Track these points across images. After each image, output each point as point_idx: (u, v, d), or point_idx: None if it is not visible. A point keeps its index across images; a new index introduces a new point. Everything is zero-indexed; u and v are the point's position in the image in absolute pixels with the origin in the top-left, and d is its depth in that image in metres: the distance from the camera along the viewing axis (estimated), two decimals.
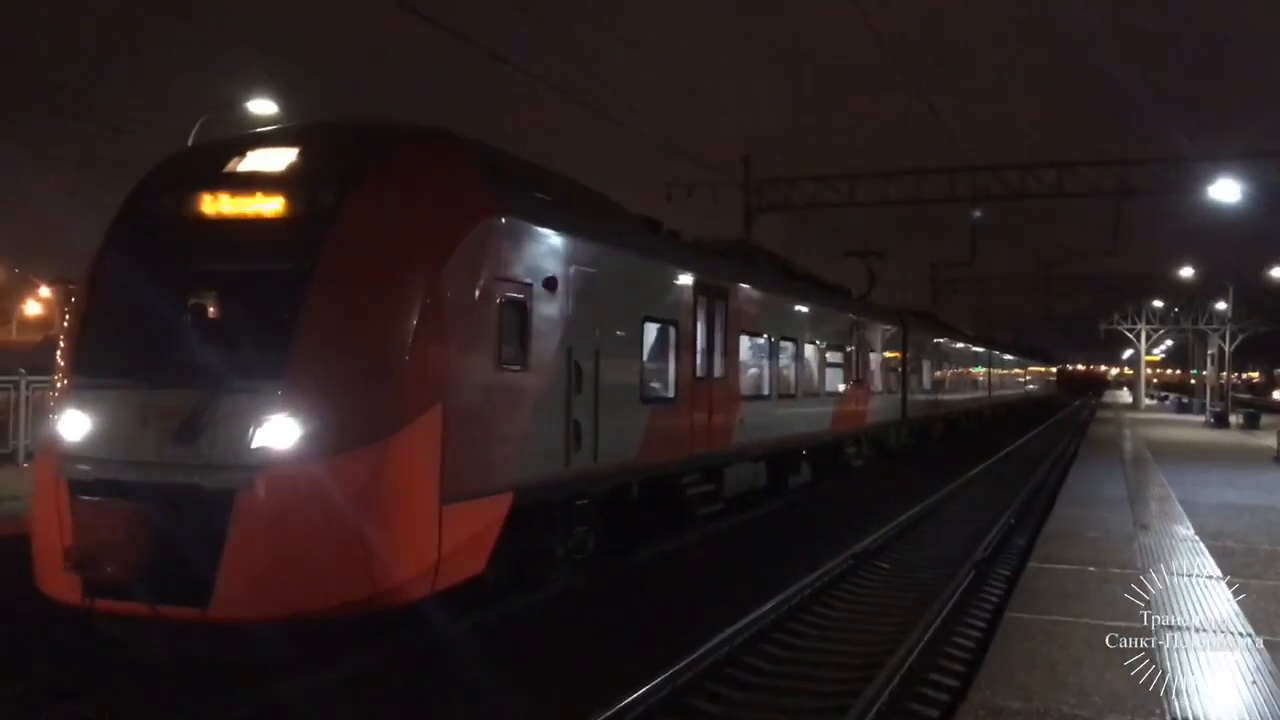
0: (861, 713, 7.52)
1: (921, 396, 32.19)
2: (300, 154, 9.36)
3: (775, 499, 18.87)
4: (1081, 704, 6.66)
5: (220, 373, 8.17)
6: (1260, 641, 8.24)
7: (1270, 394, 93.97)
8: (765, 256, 20.58)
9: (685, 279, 14.44)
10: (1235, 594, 9.93)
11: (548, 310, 10.39)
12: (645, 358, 13.19)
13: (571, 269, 10.85)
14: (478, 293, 9.28)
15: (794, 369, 19.45)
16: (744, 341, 16.73)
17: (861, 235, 39.81)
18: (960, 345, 42.13)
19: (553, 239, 10.64)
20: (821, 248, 29.80)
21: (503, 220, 9.78)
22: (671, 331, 13.88)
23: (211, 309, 8.79)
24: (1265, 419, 46.53)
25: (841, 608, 11.70)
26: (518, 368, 9.87)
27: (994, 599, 12.04)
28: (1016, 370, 65.59)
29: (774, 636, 10.15)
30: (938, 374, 35.34)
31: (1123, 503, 17.10)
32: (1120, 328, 70.61)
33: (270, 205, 8.94)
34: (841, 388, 22.45)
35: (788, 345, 19.11)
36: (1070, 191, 34.39)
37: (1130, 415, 58.00)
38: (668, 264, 14.24)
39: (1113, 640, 8.15)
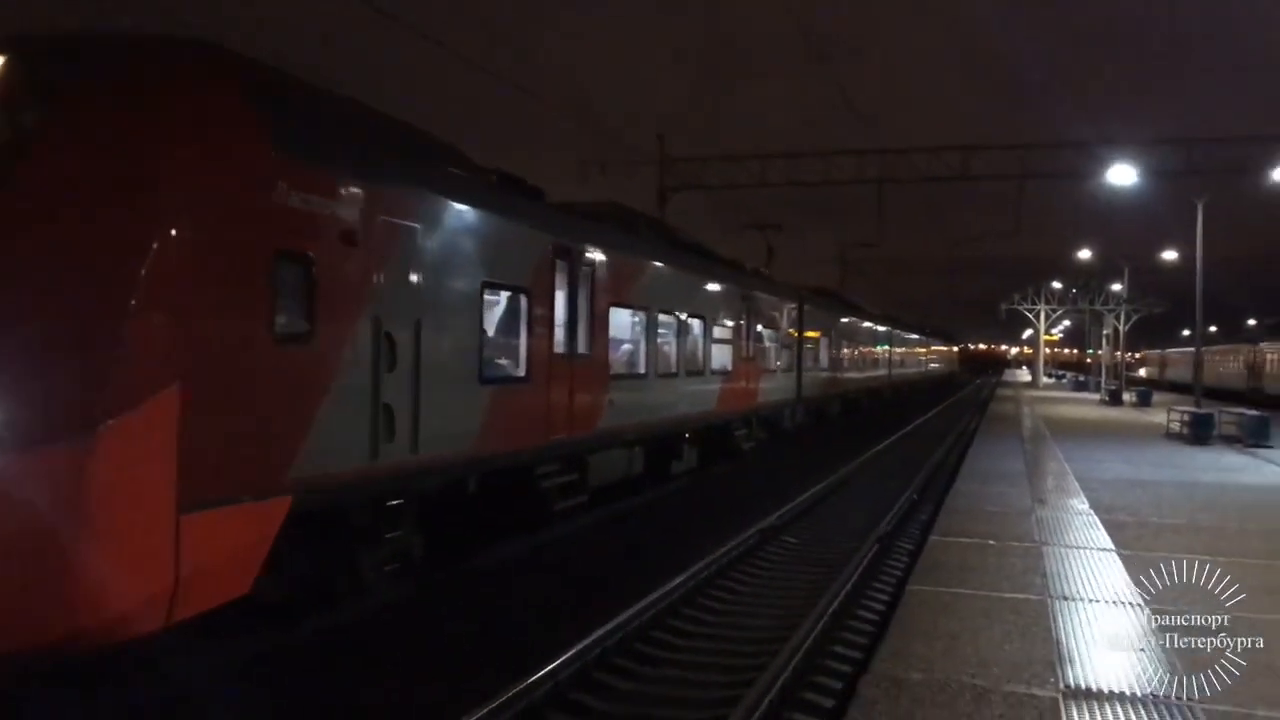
0: (764, 691, 7.59)
1: (818, 375, 31.42)
2: (2, 65, 7.31)
3: (658, 487, 17.76)
4: (980, 674, 6.81)
5: None
6: (1149, 610, 8.53)
7: (1136, 372, 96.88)
8: (646, 222, 18.88)
9: (541, 241, 12.61)
10: (1127, 566, 10.30)
11: (346, 271, 8.57)
12: (487, 331, 11.49)
13: (382, 221, 9.08)
14: (239, 246, 7.43)
15: (676, 345, 17.90)
16: (616, 314, 15.03)
17: (774, 216, 40.07)
18: (860, 323, 41.37)
19: (354, 184, 8.72)
20: (733, 227, 29.65)
21: (278, 155, 7.84)
22: (523, 301, 12.14)
23: None
24: (1156, 397, 48.18)
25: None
26: (301, 340, 8.08)
27: (898, 572, 12.29)
28: (919, 349, 66.10)
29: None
30: (836, 352, 34.41)
31: (1021, 478, 17.54)
32: (1020, 308, 72.38)
33: None
34: (730, 366, 20.98)
35: (669, 319, 17.55)
36: (975, 174, 35.04)
37: (1029, 393, 59.51)
38: (518, 223, 12.18)
39: (1011, 612, 8.39)
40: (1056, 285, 69.42)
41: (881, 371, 47.18)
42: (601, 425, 14.29)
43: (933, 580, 9.63)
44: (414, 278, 9.61)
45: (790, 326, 27.27)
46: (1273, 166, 28.42)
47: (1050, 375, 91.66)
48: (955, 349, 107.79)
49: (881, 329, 47.71)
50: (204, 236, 7.07)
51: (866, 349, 42.94)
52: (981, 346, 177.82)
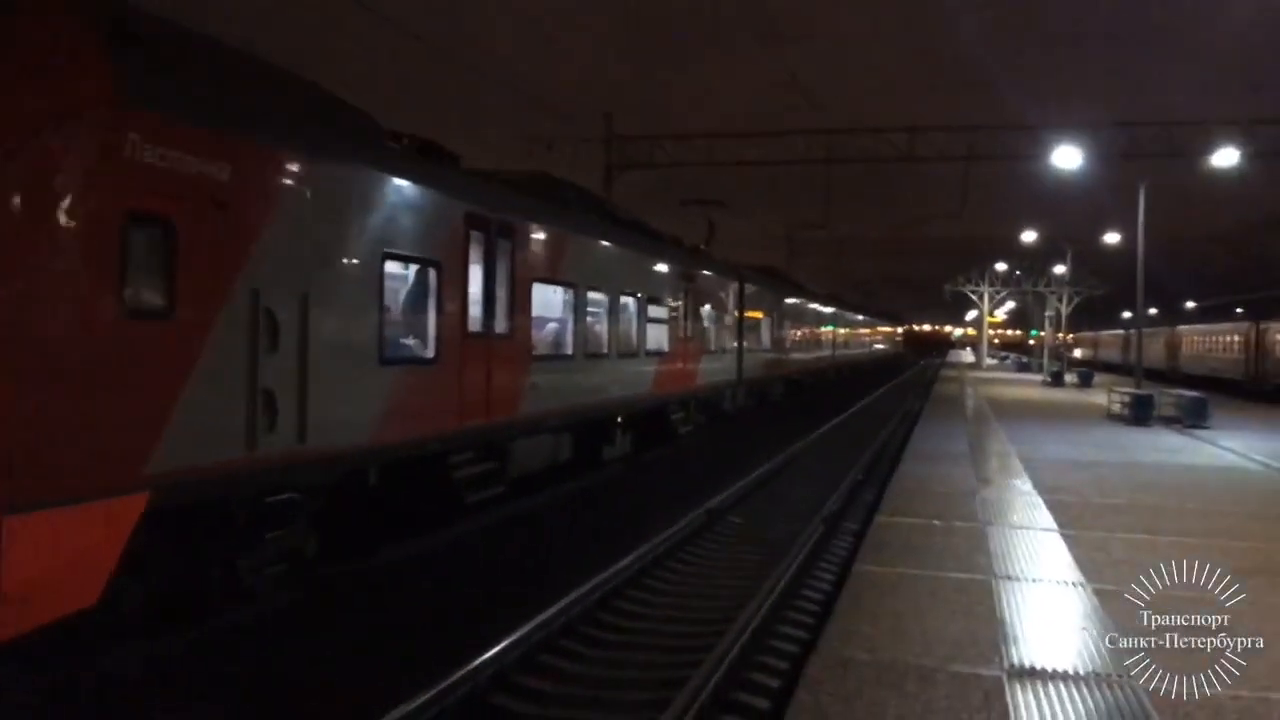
0: (710, 672, 7.57)
1: (760, 356, 30.61)
2: None
3: (588, 474, 16.96)
4: (925, 654, 6.84)
5: None
6: (1091, 589, 8.64)
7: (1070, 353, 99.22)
8: (578, 195, 17.59)
9: (453, 210, 11.66)
10: (1069, 545, 10.42)
11: (216, 237, 7.65)
12: (390, 307, 10.63)
13: (262, 183, 8.25)
14: (81, 206, 6.52)
15: (607, 325, 16.93)
16: (539, 291, 14.07)
17: (722, 196, 39.98)
18: (804, 303, 40.95)
19: (228, 141, 7.83)
20: (675, 204, 29.20)
21: (133, 103, 6.94)
22: (432, 275, 11.22)
23: None
24: (1098, 378, 48.98)
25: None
26: (158, 315, 7.22)
27: (844, 552, 12.35)
28: (863, 330, 66.28)
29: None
30: (778, 332, 33.78)
31: (965, 459, 17.71)
32: (965, 289, 73.14)
33: None
34: (667, 346, 20.16)
35: (599, 297, 16.57)
36: (921, 156, 35.21)
37: (973, 374, 60.22)
38: (426, 189, 11.13)
39: (956, 592, 8.45)
40: (1001, 267, 70.21)
41: (825, 352, 46.87)
42: (523, 409, 13.45)
43: (879, 560, 9.68)
44: (301, 247, 8.62)
45: (730, 306, 26.54)
46: (1212, 151, 28.86)
47: (994, 357, 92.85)
48: (900, 330, 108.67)
49: (826, 309, 47.35)
50: (37, 194, 6.26)
51: (810, 329, 42.51)
52: (926, 328, 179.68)
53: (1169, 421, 26.08)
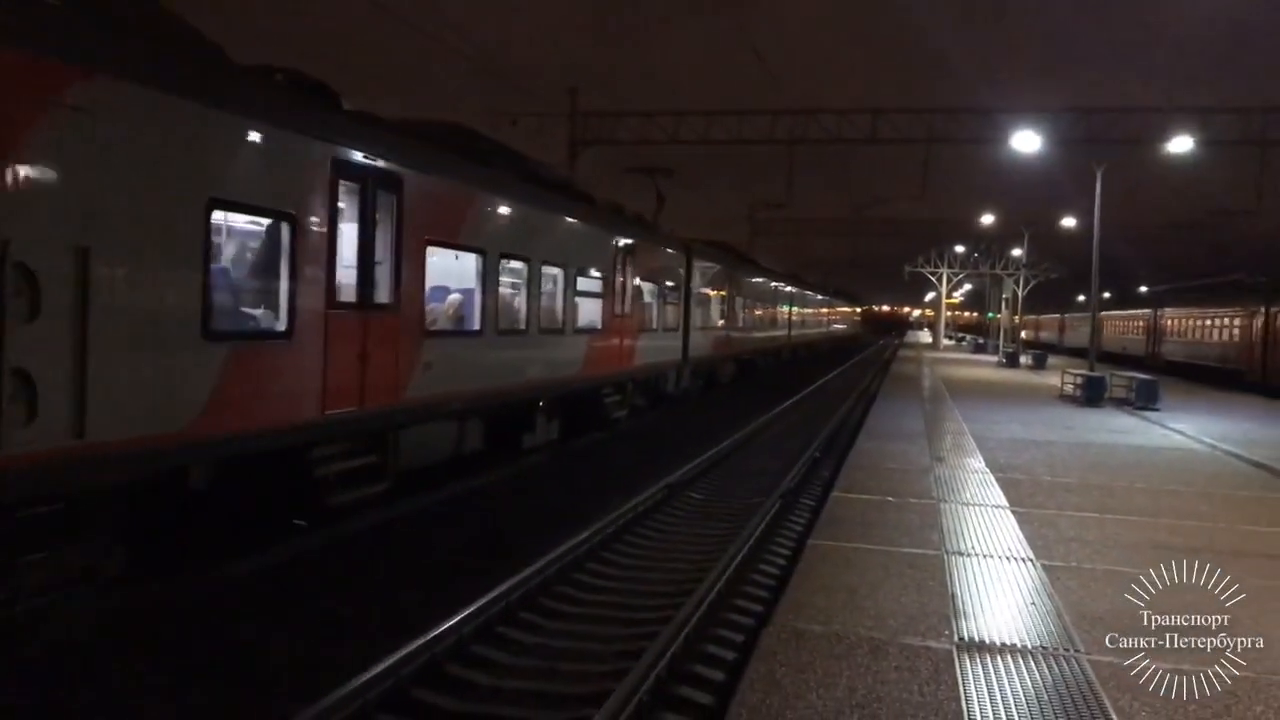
0: (669, 640, 7.65)
1: (709, 335, 28.99)
2: None
3: (503, 466, 14.94)
4: (878, 627, 6.96)
5: None
6: (1040, 565, 8.81)
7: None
8: (498, 151, 15.40)
9: (314, 154, 9.74)
10: (1020, 522, 10.61)
11: None
12: (220, 269, 8.91)
13: (22, 107, 6.56)
14: None
15: (526, 298, 14.92)
16: (437, 257, 12.24)
17: (686, 173, 39.94)
18: (758, 280, 39.12)
19: None
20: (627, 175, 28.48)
21: None
22: (284, 231, 9.34)
23: None
24: (1052, 359, 49.60)
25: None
26: None
27: (799, 527, 12.47)
28: (820, 309, 65.26)
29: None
30: (730, 310, 32.04)
31: (921, 437, 17.91)
32: (923, 271, 73.64)
33: None
34: (600, 323, 18.34)
35: (516, 266, 14.63)
36: (883, 138, 35.39)
37: (930, 355, 60.74)
38: (272, 126, 9.12)
39: (908, 566, 8.59)
40: (959, 249, 70.78)
41: (780, 332, 45.59)
42: (412, 394, 11.55)
43: (834, 535, 9.80)
44: (78, 187, 6.87)
45: (677, 281, 24.94)
46: (1168, 138, 29.25)
47: (951, 337, 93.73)
48: (858, 310, 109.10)
49: (782, 287, 46.27)
50: None
51: (765, 308, 41.19)
52: (885, 308, 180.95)
53: (1120, 403, 26.49)
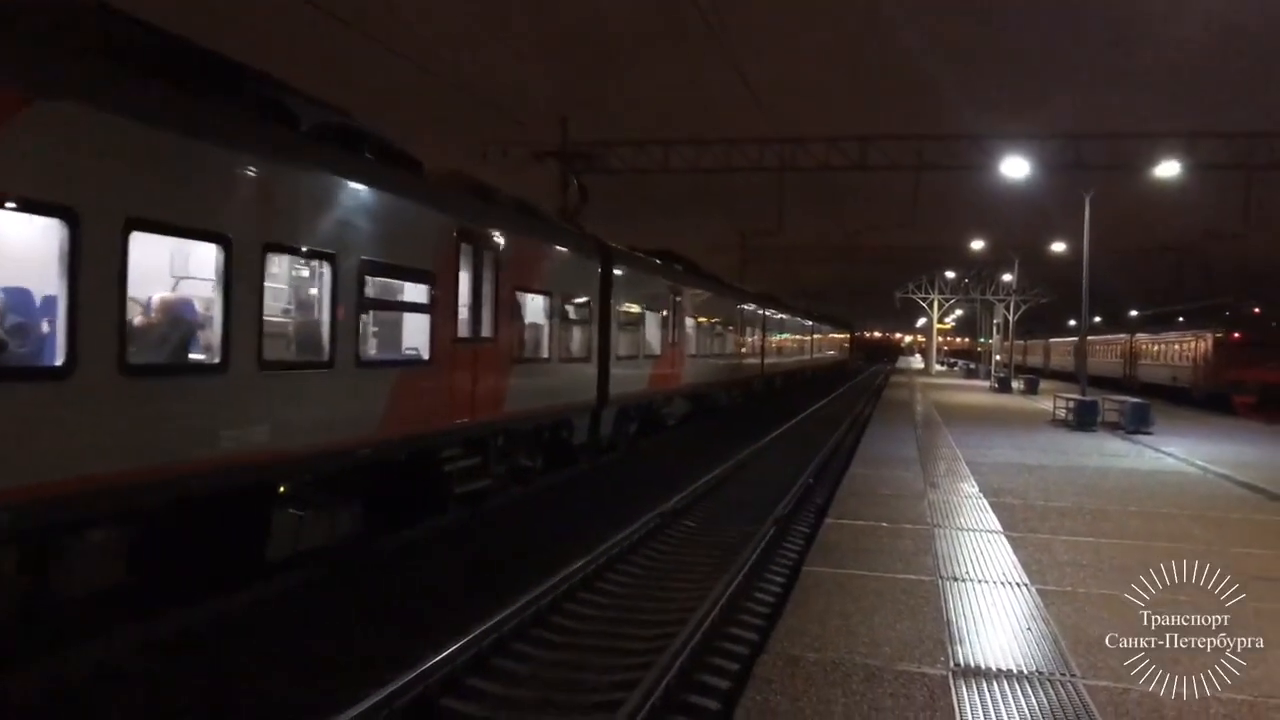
0: (665, 669, 7.62)
1: (643, 366, 21.98)
2: None
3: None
4: (873, 654, 6.94)
5: None
6: (1035, 590, 8.80)
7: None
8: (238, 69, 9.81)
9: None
10: (1014, 547, 10.60)
11: None
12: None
13: None
14: None
15: (240, 309, 8.67)
16: None
17: (678, 204, 40.17)
18: (718, 298, 31.76)
19: None
20: (638, 214, 28.68)
21: None
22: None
23: None
24: (1044, 384, 49.69)
25: None
26: None
27: (794, 554, 12.44)
28: (802, 335, 57.47)
29: None
30: (676, 334, 24.85)
31: (914, 463, 17.91)
32: (914, 296, 73.86)
33: None
34: (427, 350, 12.07)
35: (215, 255, 8.63)
36: (872, 165, 35.57)
37: (922, 380, 60.81)
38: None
39: (903, 592, 8.57)
40: (950, 274, 71.02)
41: (751, 360, 38.30)
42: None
43: (828, 561, 9.78)
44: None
45: (586, 294, 18.26)
46: (1155, 163, 29.44)
47: (943, 363, 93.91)
48: (848, 336, 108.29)
49: (753, 309, 38.84)
50: None
51: (729, 332, 33.57)
52: (877, 334, 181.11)
53: (1113, 427, 26.52)
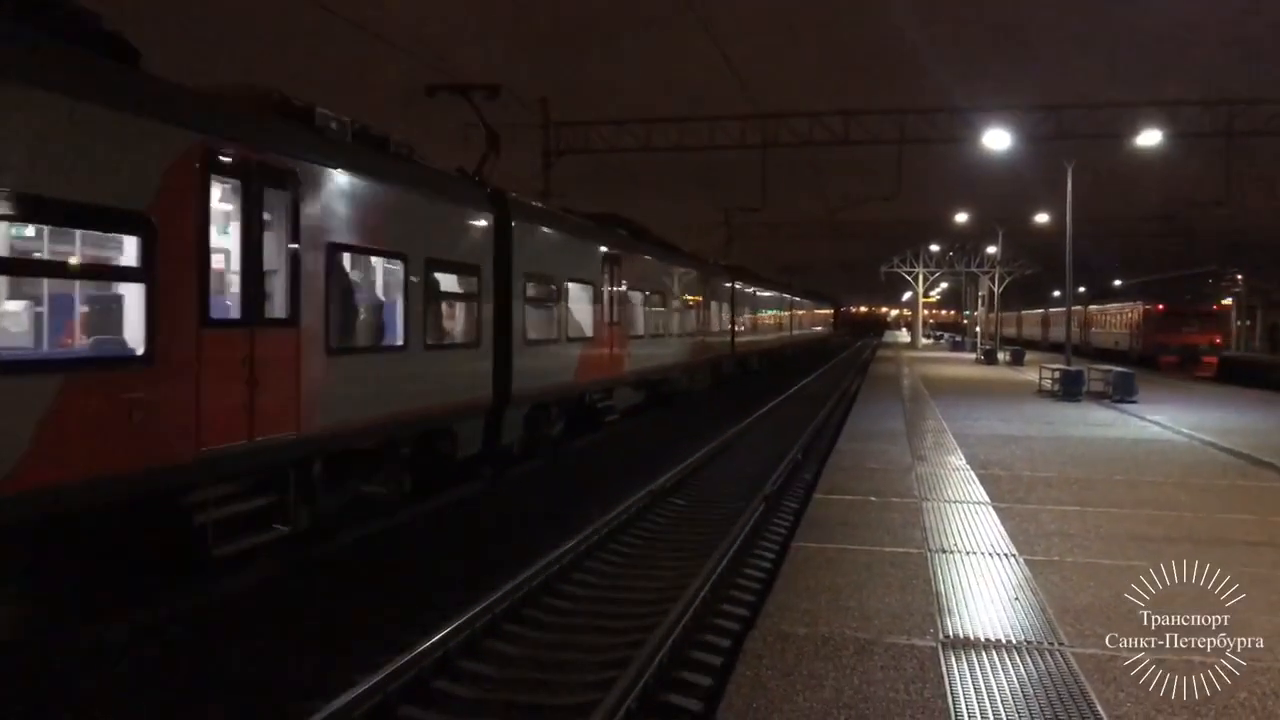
0: (655, 648, 7.65)
1: (564, 351, 17.78)
2: None
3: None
4: (863, 627, 6.96)
5: None
6: (1022, 560, 8.84)
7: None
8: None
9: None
10: (1001, 518, 10.64)
11: None
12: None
13: None
14: None
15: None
16: None
17: (663, 182, 40.10)
18: (673, 268, 27.47)
19: None
20: (623, 191, 28.61)
21: None
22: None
23: None
24: (1029, 355, 49.90)
25: None
26: None
27: (784, 530, 12.48)
28: (780, 311, 53.95)
29: None
30: (616, 311, 20.71)
31: (901, 436, 17.96)
32: (899, 270, 73.96)
33: None
34: (140, 342, 7.88)
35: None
36: (855, 139, 35.52)
37: (909, 354, 60.95)
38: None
39: (892, 565, 8.61)
40: (935, 248, 71.11)
41: (718, 340, 34.26)
42: None
43: (817, 537, 9.80)
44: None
45: (473, 259, 14.08)
46: (1136, 133, 29.48)
47: (929, 336, 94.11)
48: (832, 311, 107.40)
49: (716, 281, 34.61)
50: None
51: (689, 309, 29.28)
52: (862, 309, 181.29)
53: (1098, 397, 26.63)
